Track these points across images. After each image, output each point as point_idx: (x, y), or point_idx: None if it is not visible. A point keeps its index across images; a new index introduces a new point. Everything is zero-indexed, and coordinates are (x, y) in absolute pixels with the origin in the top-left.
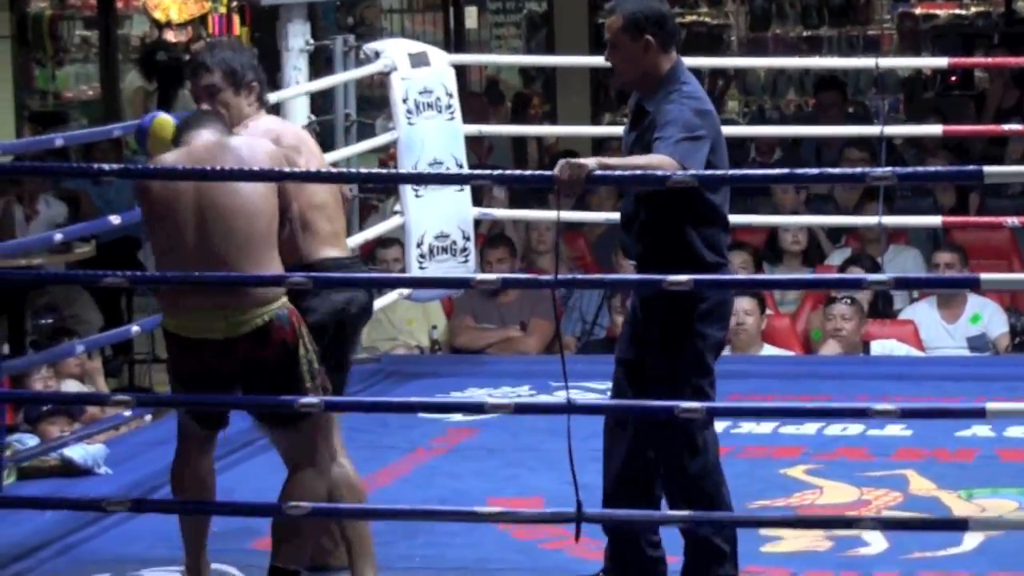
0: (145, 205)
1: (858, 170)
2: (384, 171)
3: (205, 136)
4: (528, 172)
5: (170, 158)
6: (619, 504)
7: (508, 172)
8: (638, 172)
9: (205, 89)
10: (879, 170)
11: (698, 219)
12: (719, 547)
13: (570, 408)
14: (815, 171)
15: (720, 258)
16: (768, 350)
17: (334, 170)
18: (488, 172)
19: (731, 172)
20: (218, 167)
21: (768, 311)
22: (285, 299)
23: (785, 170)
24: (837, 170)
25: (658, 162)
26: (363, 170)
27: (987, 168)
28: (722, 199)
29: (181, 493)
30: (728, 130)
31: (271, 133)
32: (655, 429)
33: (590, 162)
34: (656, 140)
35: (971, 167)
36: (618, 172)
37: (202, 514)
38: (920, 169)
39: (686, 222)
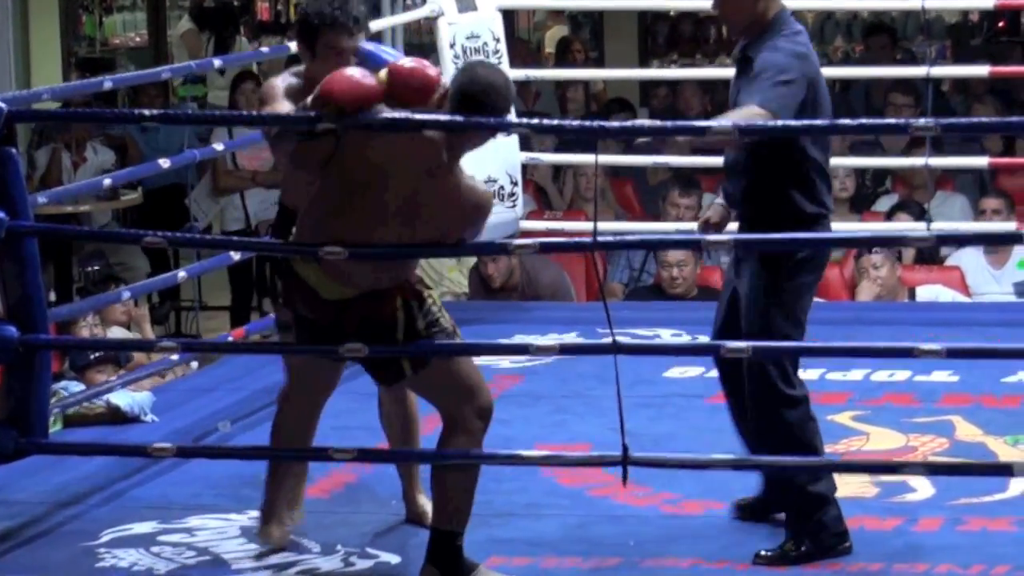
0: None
1: (901, 120)
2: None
3: None
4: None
5: None
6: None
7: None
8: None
9: (351, 49)
10: (922, 120)
11: (797, 170)
12: (816, 494)
13: (616, 348)
14: (856, 122)
15: (821, 208)
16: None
17: None
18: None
19: (770, 123)
20: None
21: None
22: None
23: (827, 121)
24: (879, 120)
25: (747, 115)
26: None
27: None
28: (822, 149)
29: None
30: None
31: None
32: (749, 383)
33: None
34: (747, 91)
35: (1017, 118)
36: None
37: (247, 460)
38: (963, 120)
39: (785, 173)
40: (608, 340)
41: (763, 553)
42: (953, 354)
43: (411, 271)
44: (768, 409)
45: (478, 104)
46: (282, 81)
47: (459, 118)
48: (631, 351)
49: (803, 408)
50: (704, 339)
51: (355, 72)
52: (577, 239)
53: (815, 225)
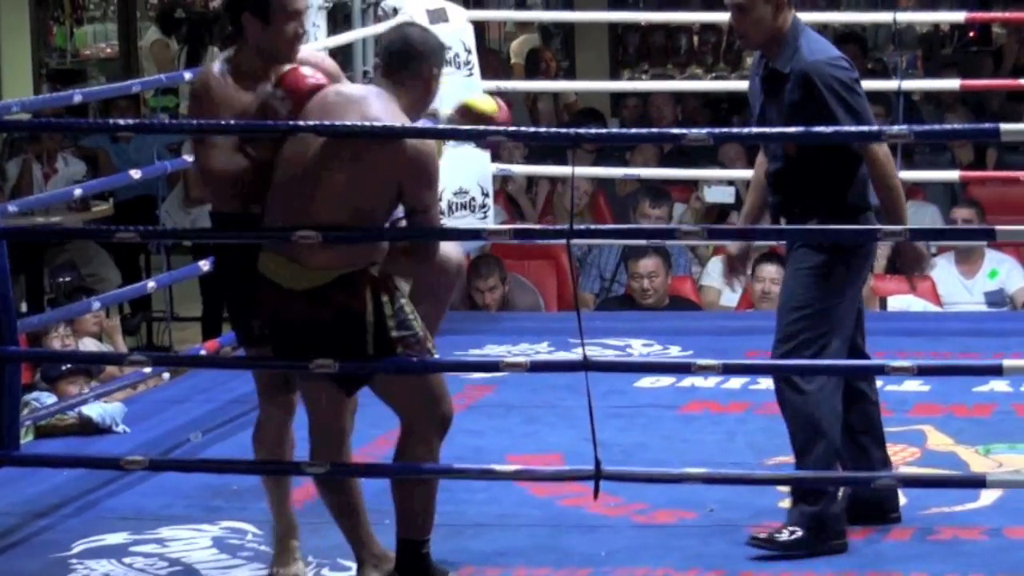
0: None
1: (875, 128)
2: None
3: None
4: None
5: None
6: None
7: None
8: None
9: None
10: (895, 128)
11: (851, 173)
12: (831, 525)
13: (586, 365)
14: (830, 129)
15: (867, 205)
16: None
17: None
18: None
19: (745, 130)
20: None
21: None
22: (365, 267)
23: (801, 128)
24: (853, 128)
25: (885, 163)
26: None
27: (1004, 126)
28: None
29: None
30: (744, 85)
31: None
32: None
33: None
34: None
35: (988, 125)
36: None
37: (218, 473)
38: (937, 127)
39: (840, 177)
40: (578, 355)
41: (756, 536)
42: (924, 371)
43: (375, 253)
44: (789, 399)
45: (412, 55)
46: (233, 92)
47: (435, 126)
48: (602, 368)
49: (822, 397)
50: (675, 349)
51: (308, 72)
52: (552, 227)
53: (861, 216)
